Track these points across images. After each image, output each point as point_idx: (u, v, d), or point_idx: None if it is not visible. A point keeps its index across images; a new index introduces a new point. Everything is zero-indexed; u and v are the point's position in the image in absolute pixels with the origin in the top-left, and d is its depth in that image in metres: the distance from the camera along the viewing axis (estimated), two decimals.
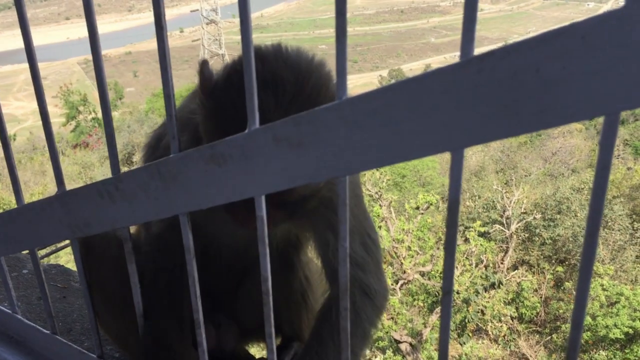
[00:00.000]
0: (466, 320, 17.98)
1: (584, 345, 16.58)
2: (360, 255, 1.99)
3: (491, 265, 19.69)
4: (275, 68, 1.63)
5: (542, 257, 20.85)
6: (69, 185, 1.73)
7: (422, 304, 18.47)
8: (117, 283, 2.01)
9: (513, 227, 20.49)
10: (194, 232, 1.47)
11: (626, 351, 16.28)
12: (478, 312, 18.19)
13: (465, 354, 17.04)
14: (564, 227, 20.12)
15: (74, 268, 2.32)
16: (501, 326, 18.32)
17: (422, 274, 18.35)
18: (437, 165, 32.32)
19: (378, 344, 16.26)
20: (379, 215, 17.98)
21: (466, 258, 18.51)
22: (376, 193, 19.04)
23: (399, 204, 21.53)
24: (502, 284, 18.70)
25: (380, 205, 18.61)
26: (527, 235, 21.17)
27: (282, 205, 1.73)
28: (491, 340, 18.52)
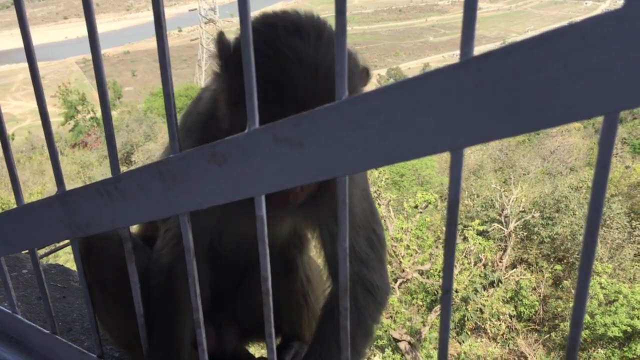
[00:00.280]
0: (465, 319, 18.00)
1: (582, 344, 16.60)
2: (364, 251, 1.99)
3: (490, 263, 19.71)
4: (294, 18, 1.70)
5: (540, 255, 20.87)
6: (68, 185, 1.73)
7: (421, 303, 18.48)
8: (118, 282, 2.01)
9: (511, 226, 20.50)
10: (200, 233, 1.48)
11: (624, 349, 16.30)
12: (477, 310, 18.21)
13: (464, 353, 17.06)
14: (562, 225, 20.13)
15: (74, 268, 2.32)
16: (500, 324, 18.34)
17: (421, 273, 18.36)
18: (435, 164, 32.32)
19: (377, 342, 16.27)
20: None
21: (465, 257, 18.53)
22: (375, 192, 19.03)
23: (397, 202, 21.55)
24: (500, 283, 18.72)
25: (379, 204, 18.60)
26: (525, 233, 21.19)
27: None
28: (490, 338, 18.54)
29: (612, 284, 17.22)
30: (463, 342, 17.52)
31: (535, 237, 20.73)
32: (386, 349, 16.35)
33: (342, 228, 1.23)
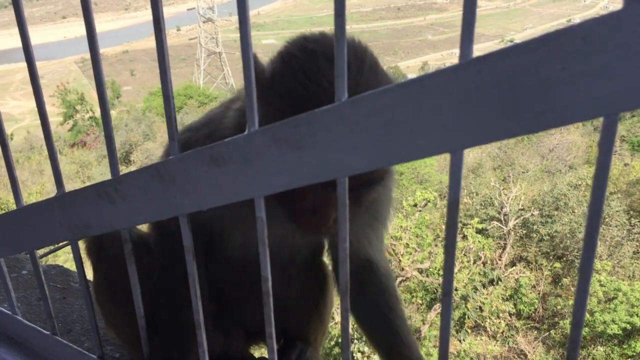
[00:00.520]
0: (465, 317, 18.02)
1: (582, 341, 16.53)
2: (383, 243, 2.17)
3: (489, 262, 19.73)
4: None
5: (539, 253, 20.90)
6: (67, 185, 1.73)
7: (420, 301, 18.50)
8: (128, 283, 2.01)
9: (511, 224, 20.53)
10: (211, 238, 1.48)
11: (624, 347, 16.34)
12: (476, 308, 18.23)
13: (464, 351, 17.09)
14: (561, 223, 20.16)
15: (73, 268, 2.32)
16: (499, 322, 18.37)
17: (420, 271, 18.38)
18: (434, 162, 32.33)
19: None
20: None
21: (464, 255, 18.55)
22: None
23: (396, 201, 21.55)
24: (500, 281, 18.75)
25: None
26: (524, 231, 21.21)
27: (356, 188, 1.71)
28: (489, 336, 18.56)
29: (611, 281, 17.26)
30: (463, 340, 17.54)
31: (535, 235, 20.76)
32: None
33: (342, 229, 1.23)
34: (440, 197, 21.65)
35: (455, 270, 17.53)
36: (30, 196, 24.13)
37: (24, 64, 1.65)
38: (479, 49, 0.88)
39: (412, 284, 18.51)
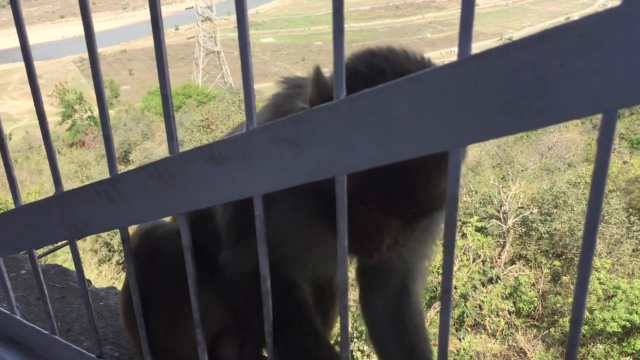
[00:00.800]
0: (464, 315, 18.02)
1: (581, 339, 16.55)
2: (424, 278, 2.14)
3: (488, 260, 19.73)
4: (404, 63, 1.58)
5: (539, 251, 20.90)
6: (66, 184, 1.73)
7: None
8: (180, 289, 1.96)
9: (510, 222, 20.54)
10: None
11: (623, 344, 16.36)
12: (476, 307, 18.23)
13: (464, 349, 17.10)
14: (560, 221, 20.17)
15: (72, 268, 2.32)
16: (499, 321, 18.37)
17: None
18: None
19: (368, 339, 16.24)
20: None
21: (463, 253, 18.55)
22: None
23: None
24: (499, 279, 18.76)
25: None
26: (524, 229, 21.22)
27: (414, 218, 1.62)
28: (489, 334, 18.57)
29: (610, 279, 17.28)
30: (462, 338, 17.55)
31: (534, 233, 20.76)
32: None
33: (341, 227, 1.23)
34: None
35: (455, 268, 17.52)
36: (29, 196, 24.09)
37: (22, 64, 1.65)
38: (478, 47, 0.87)
39: None
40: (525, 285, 19.04)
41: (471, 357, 17.21)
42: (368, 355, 14.78)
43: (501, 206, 20.86)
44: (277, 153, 1.17)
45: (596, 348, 16.63)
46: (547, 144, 32.83)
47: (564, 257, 20.43)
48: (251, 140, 1.21)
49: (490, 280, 18.60)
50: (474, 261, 18.74)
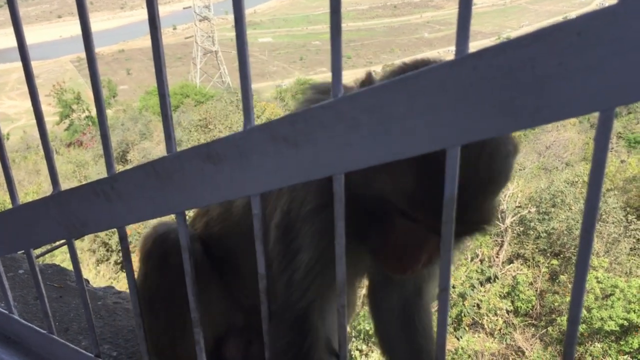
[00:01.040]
0: (462, 315, 18.05)
1: (579, 338, 16.63)
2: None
3: (486, 259, 19.76)
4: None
5: (537, 250, 20.93)
6: (64, 184, 1.72)
7: None
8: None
9: (508, 221, 20.55)
10: None
11: (621, 343, 16.38)
12: (474, 306, 18.25)
13: (462, 348, 17.11)
14: (558, 220, 20.19)
15: (71, 267, 2.31)
16: (497, 320, 18.40)
17: None
18: None
19: (374, 339, 16.27)
20: None
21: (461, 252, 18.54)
22: None
23: None
24: (497, 278, 18.78)
25: None
26: (522, 228, 21.24)
27: (458, 237, 1.56)
28: (487, 333, 18.59)
29: (608, 278, 17.31)
30: (461, 337, 17.57)
31: (532, 232, 20.79)
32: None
33: (339, 225, 1.23)
34: None
35: (453, 267, 17.54)
36: (27, 196, 24.05)
37: (20, 64, 1.65)
38: (475, 47, 0.87)
39: None
40: (523, 284, 19.06)
41: (469, 356, 17.22)
42: (366, 355, 14.80)
43: (499, 205, 20.86)
44: (275, 152, 1.17)
45: (594, 347, 16.65)
46: (545, 143, 32.86)
47: (561, 256, 20.45)
48: (249, 139, 1.21)
49: (488, 280, 18.62)
50: (471, 260, 18.77)
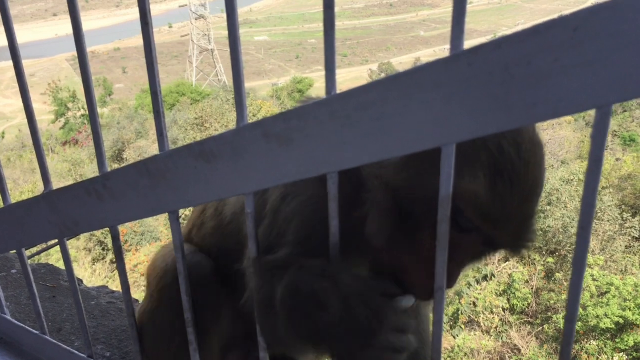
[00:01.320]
0: (458, 313, 18.08)
1: (575, 336, 16.68)
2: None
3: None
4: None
5: (532, 248, 20.95)
6: (60, 183, 1.71)
7: None
8: (205, 309, 1.90)
9: None
10: None
11: (617, 340, 16.43)
12: (470, 304, 18.29)
13: (458, 346, 17.14)
14: (554, 218, 20.23)
15: (64, 267, 2.30)
16: (493, 318, 18.44)
17: None
18: None
19: None
20: None
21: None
22: None
23: None
24: (493, 276, 18.81)
25: None
26: None
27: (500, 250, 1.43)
28: (483, 331, 18.63)
29: (604, 275, 17.36)
30: (457, 336, 17.60)
31: None
32: None
33: (333, 224, 1.22)
34: None
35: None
36: (22, 195, 24.00)
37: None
38: (471, 45, 0.86)
39: None
40: (519, 282, 19.10)
41: (465, 354, 17.26)
42: None
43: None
44: (268, 150, 1.16)
45: (590, 344, 16.70)
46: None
47: (557, 254, 20.50)
48: (242, 136, 1.19)
49: (485, 278, 18.66)
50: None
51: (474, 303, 18.30)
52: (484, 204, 1.20)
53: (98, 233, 23.33)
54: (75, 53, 1.47)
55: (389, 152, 1.03)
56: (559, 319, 17.45)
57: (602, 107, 0.82)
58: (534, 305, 19.78)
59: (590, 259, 17.94)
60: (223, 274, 2.01)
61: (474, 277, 18.39)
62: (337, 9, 1.13)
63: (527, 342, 18.34)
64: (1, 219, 1.89)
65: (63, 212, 1.66)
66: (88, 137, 42.86)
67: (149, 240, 24.20)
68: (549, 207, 20.54)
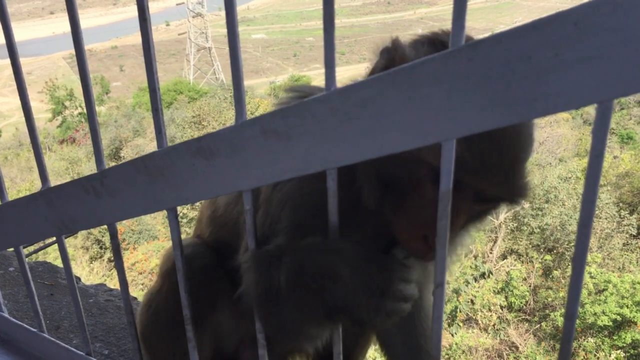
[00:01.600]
0: (456, 310, 18.11)
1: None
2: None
3: (480, 255, 19.82)
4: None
5: (530, 246, 21.00)
6: (57, 181, 1.70)
7: None
8: (207, 301, 1.92)
9: (502, 217, 20.60)
10: None
11: (614, 338, 16.48)
12: (468, 301, 18.31)
13: (456, 344, 17.17)
14: (551, 216, 20.27)
15: (62, 265, 2.29)
16: (491, 315, 18.47)
17: None
18: None
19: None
20: None
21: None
22: None
23: None
24: (491, 274, 18.85)
25: None
26: (515, 224, 21.31)
27: (493, 207, 1.50)
28: (481, 329, 18.66)
29: (601, 273, 17.40)
30: (455, 333, 17.63)
31: (525, 228, 20.86)
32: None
33: (332, 220, 1.21)
34: None
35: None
36: (20, 193, 23.95)
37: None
38: None
39: None
40: (517, 279, 19.14)
41: (463, 351, 17.29)
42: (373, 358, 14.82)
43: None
44: (267, 146, 1.15)
45: (587, 342, 16.75)
46: (538, 139, 32.85)
47: (555, 251, 20.54)
48: (240, 133, 1.19)
49: (483, 275, 18.68)
50: (466, 256, 18.80)
51: (472, 301, 18.33)
52: (461, 157, 1.18)
53: (95, 231, 23.31)
54: (72, 51, 1.46)
55: (388, 148, 1.03)
56: (557, 316, 17.48)
57: (602, 102, 0.82)
58: (532, 302, 19.82)
59: (588, 257, 17.89)
60: (221, 266, 2.01)
61: (472, 274, 18.41)
62: (335, 6, 1.12)
63: (524, 340, 18.38)
64: None
65: (60, 209, 1.65)
66: (85, 135, 42.79)
67: (147, 238, 24.19)
68: (546, 205, 20.57)
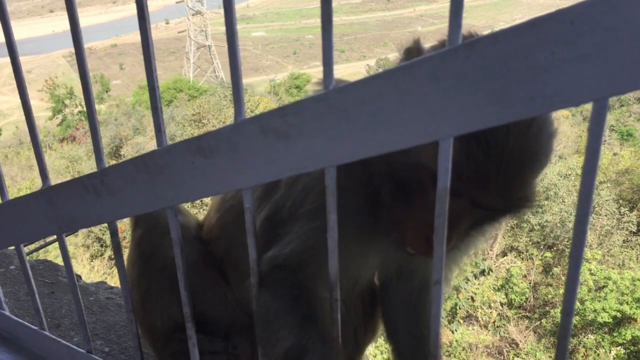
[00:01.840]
0: (456, 307, 18.12)
1: (572, 330, 16.68)
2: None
3: (480, 252, 19.80)
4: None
5: (530, 243, 21.00)
6: (57, 180, 1.70)
7: None
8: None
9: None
10: None
11: (614, 334, 16.49)
12: (468, 299, 18.33)
13: (456, 341, 17.19)
14: (551, 213, 20.26)
15: (62, 263, 2.30)
16: (491, 312, 18.48)
17: None
18: None
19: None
20: None
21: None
22: None
23: None
24: (491, 271, 18.85)
25: None
26: (515, 221, 21.31)
27: (495, 215, 1.55)
28: (481, 326, 18.68)
29: (601, 270, 17.41)
30: (455, 330, 17.64)
31: (525, 225, 20.85)
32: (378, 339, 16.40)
33: (331, 218, 1.22)
34: None
35: (472, 255, 17.58)
36: (20, 192, 23.94)
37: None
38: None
39: None
40: (517, 276, 19.15)
41: (464, 348, 17.31)
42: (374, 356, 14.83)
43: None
44: (266, 145, 1.16)
45: (587, 338, 16.75)
46: None
47: (555, 248, 20.54)
48: (239, 131, 1.19)
49: (482, 272, 18.69)
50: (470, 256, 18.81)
51: (472, 298, 18.34)
52: (458, 165, 1.20)
53: (96, 230, 23.30)
54: (71, 49, 1.46)
55: (386, 147, 1.03)
56: (557, 313, 17.48)
57: (599, 100, 0.83)
58: (532, 299, 19.83)
59: (588, 253, 17.98)
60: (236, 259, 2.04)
61: (472, 272, 18.42)
62: (334, 4, 1.13)
63: (524, 337, 18.39)
64: None
65: (61, 208, 1.66)
66: (85, 133, 42.74)
67: None
68: (546, 202, 20.57)
